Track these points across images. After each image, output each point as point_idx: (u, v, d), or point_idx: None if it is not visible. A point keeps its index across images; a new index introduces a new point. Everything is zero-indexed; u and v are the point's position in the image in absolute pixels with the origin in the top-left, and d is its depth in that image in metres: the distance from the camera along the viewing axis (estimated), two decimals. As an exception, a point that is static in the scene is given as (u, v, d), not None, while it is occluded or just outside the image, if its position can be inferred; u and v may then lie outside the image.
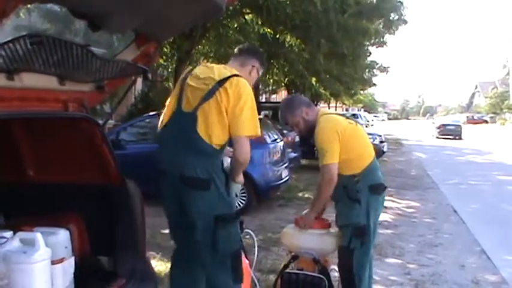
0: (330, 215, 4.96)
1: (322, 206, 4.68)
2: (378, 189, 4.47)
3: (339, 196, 4.51)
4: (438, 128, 43.08)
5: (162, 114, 3.92)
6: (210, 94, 3.61)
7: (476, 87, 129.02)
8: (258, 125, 3.71)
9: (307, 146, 14.00)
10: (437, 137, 40.97)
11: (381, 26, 17.82)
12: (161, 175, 3.85)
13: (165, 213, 4.03)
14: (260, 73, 4.19)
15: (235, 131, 3.63)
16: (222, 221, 3.61)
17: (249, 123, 3.65)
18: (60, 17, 15.84)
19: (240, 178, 3.95)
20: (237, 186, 4.06)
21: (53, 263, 3.12)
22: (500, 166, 19.55)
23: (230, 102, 3.61)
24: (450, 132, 41.50)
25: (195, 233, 3.64)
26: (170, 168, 3.75)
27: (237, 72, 3.78)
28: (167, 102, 3.94)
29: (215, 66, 3.87)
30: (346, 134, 4.38)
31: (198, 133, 3.60)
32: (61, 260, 3.26)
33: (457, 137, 40.44)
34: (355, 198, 4.37)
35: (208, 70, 3.79)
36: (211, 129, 3.61)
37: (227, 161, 4.02)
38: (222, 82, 3.63)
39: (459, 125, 43.30)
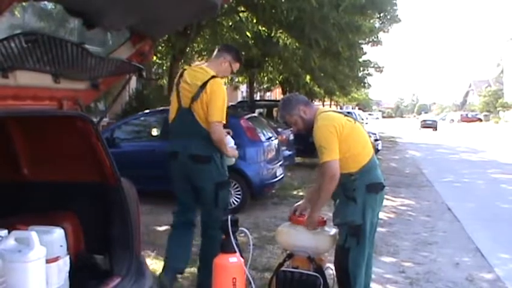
0: (325, 213, 4.97)
1: (325, 204, 4.63)
2: (375, 188, 4.43)
3: (336, 194, 4.49)
4: (421, 122, 63.25)
5: (170, 112, 5.20)
6: (196, 96, 4.88)
7: (470, 86, 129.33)
8: (224, 114, 4.88)
9: (302, 144, 14.03)
10: (420, 128, 58.45)
11: (375, 23, 17.85)
12: (172, 157, 5.11)
13: (174, 185, 5.38)
14: (234, 66, 5.28)
15: (209, 117, 4.84)
16: (220, 186, 4.99)
17: (218, 112, 4.84)
18: (55, 15, 15.78)
19: (230, 153, 5.09)
20: (229, 160, 5.17)
21: (48, 261, 3.10)
22: (494, 164, 19.60)
23: (207, 98, 4.86)
24: (428, 125, 59.47)
25: (202, 195, 5.08)
26: (182, 150, 4.97)
27: (214, 74, 4.97)
28: (171, 102, 5.23)
29: (199, 70, 5.15)
30: (344, 131, 4.37)
31: (198, 122, 4.88)
32: (56, 259, 3.24)
33: (433, 128, 56.92)
34: (351, 196, 4.35)
35: (194, 75, 5.06)
36: (205, 119, 4.87)
37: (231, 142, 5.13)
38: (203, 86, 4.87)
39: (435, 121, 64.32)
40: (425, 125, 59.86)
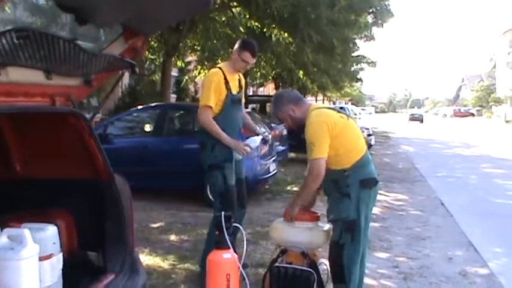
0: (319, 209, 4.97)
1: (306, 199, 4.66)
2: (368, 183, 4.41)
3: (329, 190, 4.49)
4: (409, 116, 75.35)
5: None
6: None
7: (462, 81, 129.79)
8: (207, 98, 5.33)
9: (295, 139, 14.03)
10: (408, 121, 68.94)
11: (369, 19, 17.86)
12: None
13: None
14: (242, 56, 5.49)
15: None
16: (212, 167, 5.50)
17: (202, 98, 5.43)
18: (47, 10, 15.72)
19: (230, 143, 5.37)
20: (236, 154, 5.51)
21: (41, 259, 3.08)
22: (487, 159, 19.68)
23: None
24: (416, 118, 71.96)
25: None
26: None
27: (220, 67, 5.56)
28: None
29: None
30: (337, 128, 4.34)
31: None
32: (49, 256, 3.23)
33: (419, 121, 68.77)
34: (345, 192, 4.34)
35: None
36: None
37: (256, 142, 5.67)
38: None
39: (421, 114, 78.26)
40: (413, 118, 72.36)
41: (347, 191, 4.33)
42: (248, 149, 5.42)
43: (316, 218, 4.73)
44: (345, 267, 4.38)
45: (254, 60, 5.63)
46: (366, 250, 4.74)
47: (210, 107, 5.34)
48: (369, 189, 4.43)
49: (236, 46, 5.56)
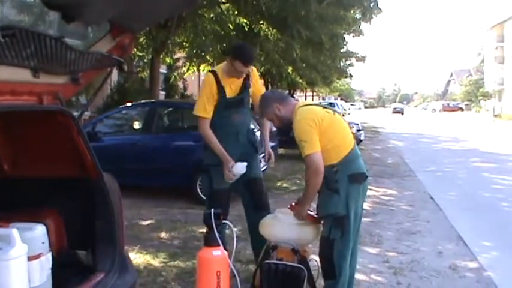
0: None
1: (313, 198, 4.53)
2: (357, 178, 4.40)
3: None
4: (393, 109, 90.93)
5: None
6: None
7: (451, 75, 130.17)
8: (199, 108, 5.28)
9: (285, 135, 14.02)
10: (392, 113, 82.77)
11: (358, 14, 17.86)
12: None
13: None
14: (234, 64, 5.15)
15: None
16: (202, 168, 5.60)
17: (196, 106, 5.34)
18: (34, 8, 15.64)
19: (222, 158, 5.21)
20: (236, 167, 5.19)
21: (30, 259, 3.07)
22: (475, 153, 19.77)
23: None
24: (397, 111, 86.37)
25: None
26: None
27: (214, 69, 5.43)
28: None
29: None
30: (324, 124, 4.33)
31: None
32: (38, 256, 3.21)
33: (401, 113, 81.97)
34: (333, 188, 4.32)
35: None
36: None
37: (242, 170, 5.19)
38: None
39: (402, 108, 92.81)
40: (395, 111, 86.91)
41: (336, 187, 4.31)
42: (231, 175, 5.20)
43: (312, 218, 4.69)
44: (335, 263, 4.38)
45: (247, 69, 5.32)
46: (357, 246, 4.76)
47: (205, 118, 5.29)
48: (358, 184, 4.41)
49: (230, 55, 5.30)
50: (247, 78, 5.41)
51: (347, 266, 4.45)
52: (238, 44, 5.84)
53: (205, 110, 5.27)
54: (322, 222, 4.58)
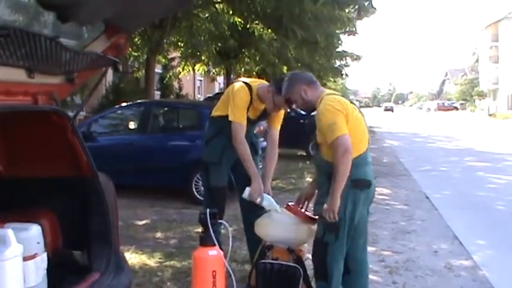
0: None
1: (343, 186, 4.13)
2: (360, 184, 4.26)
3: (321, 183, 4.42)
4: (384, 107, 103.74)
5: None
6: None
7: (446, 75, 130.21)
8: (239, 116, 5.05)
9: (280, 135, 14.00)
10: (383, 111, 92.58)
11: (353, 14, 17.89)
12: None
13: None
14: (275, 98, 5.08)
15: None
16: (201, 164, 5.48)
17: (234, 113, 5.08)
18: (28, 8, 15.64)
19: (252, 174, 5.11)
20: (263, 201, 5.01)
21: (25, 259, 3.06)
22: (470, 152, 19.80)
23: None
24: (388, 109, 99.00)
25: None
26: None
27: (245, 80, 5.34)
28: None
29: None
30: (349, 117, 4.22)
31: None
32: (33, 256, 3.20)
33: (391, 111, 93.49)
34: None
35: None
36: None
37: (269, 204, 4.97)
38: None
39: (392, 106, 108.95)
40: (386, 109, 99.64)
41: None
42: (258, 199, 4.99)
43: (308, 218, 4.69)
44: (328, 265, 4.32)
45: (286, 108, 5.24)
46: (365, 247, 4.71)
47: (244, 126, 5.11)
48: (360, 190, 4.27)
49: (273, 86, 5.15)
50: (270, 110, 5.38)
51: (340, 268, 4.38)
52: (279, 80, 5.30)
53: (244, 118, 5.12)
54: (316, 220, 4.57)
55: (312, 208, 4.61)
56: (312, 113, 4.64)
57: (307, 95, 4.51)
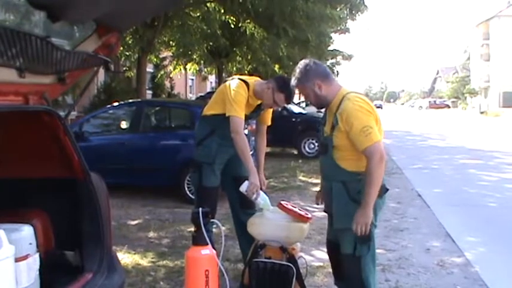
0: (297, 202, 4.96)
1: (377, 192, 3.90)
2: (381, 191, 3.99)
3: (336, 192, 4.06)
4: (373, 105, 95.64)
5: None
6: None
7: (437, 73, 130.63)
8: (239, 110, 5.00)
9: (272, 133, 14.02)
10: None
11: (344, 12, 17.91)
12: None
13: None
14: (275, 95, 5.06)
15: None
16: (192, 164, 5.47)
17: (233, 108, 5.01)
18: (19, 7, 15.55)
19: (251, 170, 5.08)
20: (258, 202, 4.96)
21: (17, 260, 3.05)
22: (462, 150, 19.86)
23: None
24: (378, 106, 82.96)
25: None
26: None
27: (241, 77, 5.28)
28: None
29: None
30: (378, 121, 4.00)
31: None
32: (25, 257, 3.19)
33: (380, 108, 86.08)
34: (355, 199, 3.94)
35: None
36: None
37: (263, 202, 4.92)
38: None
39: (381, 104, 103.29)
40: (376, 106, 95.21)
41: (359, 198, 3.91)
42: (254, 195, 4.92)
43: (306, 218, 4.67)
44: (364, 281, 4.02)
45: (285, 104, 5.31)
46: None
47: (243, 120, 5.07)
48: (379, 197, 4.00)
49: (273, 83, 5.12)
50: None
51: (376, 280, 4.14)
52: (285, 78, 5.32)
53: (243, 114, 5.07)
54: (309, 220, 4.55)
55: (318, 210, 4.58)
56: (321, 110, 4.45)
57: (321, 91, 4.08)
